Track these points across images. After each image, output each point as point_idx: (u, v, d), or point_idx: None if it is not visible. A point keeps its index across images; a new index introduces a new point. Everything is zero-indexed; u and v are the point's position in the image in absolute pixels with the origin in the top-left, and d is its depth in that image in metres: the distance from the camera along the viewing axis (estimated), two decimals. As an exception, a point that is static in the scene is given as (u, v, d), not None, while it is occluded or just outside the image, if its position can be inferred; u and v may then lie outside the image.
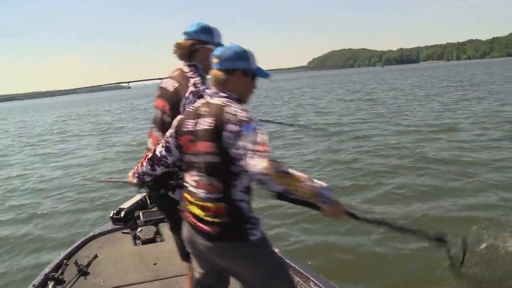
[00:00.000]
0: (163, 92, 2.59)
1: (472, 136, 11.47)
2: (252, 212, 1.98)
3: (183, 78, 2.51)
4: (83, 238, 4.08)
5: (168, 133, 2.21)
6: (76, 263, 3.46)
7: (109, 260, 3.63)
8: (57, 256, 3.76)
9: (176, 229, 2.75)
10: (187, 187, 2.07)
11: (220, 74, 2.03)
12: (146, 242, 3.95)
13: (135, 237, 4.10)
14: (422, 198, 6.68)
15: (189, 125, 2.04)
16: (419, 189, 7.15)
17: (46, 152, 15.91)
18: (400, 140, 11.50)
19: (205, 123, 1.95)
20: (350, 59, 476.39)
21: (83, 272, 3.40)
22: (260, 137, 1.77)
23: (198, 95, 2.40)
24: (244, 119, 1.85)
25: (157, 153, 2.26)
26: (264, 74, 2.13)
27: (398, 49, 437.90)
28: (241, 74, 2.04)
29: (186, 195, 2.09)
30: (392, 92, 30.82)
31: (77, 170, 11.43)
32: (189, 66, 2.57)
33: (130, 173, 2.50)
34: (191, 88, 2.43)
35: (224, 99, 2.00)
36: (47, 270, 3.37)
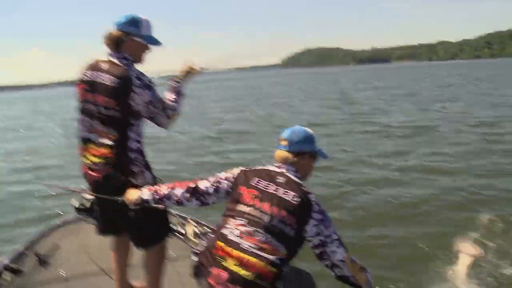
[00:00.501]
0: (98, 87, 2.51)
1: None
2: None
3: (120, 72, 2.48)
4: (44, 229, 3.96)
5: (223, 176, 2.26)
6: (36, 253, 3.35)
7: (71, 250, 3.53)
8: (16, 246, 3.64)
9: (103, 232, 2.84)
10: (225, 234, 2.01)
11: (290, 156, 2.24)
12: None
13: (100, 227, 3.99)
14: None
15: (261, 183, 2.12)
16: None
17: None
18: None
19: (289, 196, 2.05)
20: (323, 57, 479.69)
21: (43, 262, 3.29)
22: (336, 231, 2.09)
23: (147, 86, 2.49)
24: (324, 209, 2.10)
25: (203, 187, 2.25)
26: (324, 155, 2.38)
27: (372, 48, 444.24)
28: (309, 156, 2.29)
29: (219, 242, 2.00)
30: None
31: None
32: (119, 58, 2.55)
33: (136, 190, 2.38)
34: (138, 82, 2.47)
35: (299, 179, 2.18)
36: (5, 260, 3.25)
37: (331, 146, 11.20)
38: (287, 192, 2.06)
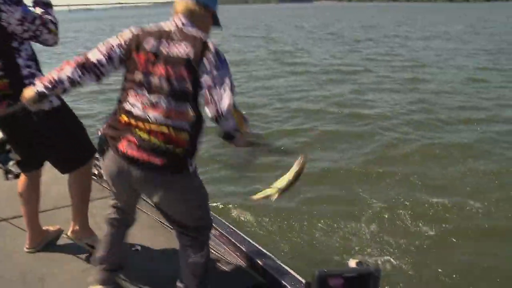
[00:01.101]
0: None
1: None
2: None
3: None
4: None
5: (114, 42, 2.00)
6: None
7: None
8: None
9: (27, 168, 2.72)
10: (128, 109, 1.91)
11: (198, 8, 1.98)
12: (19, 176, 3.60)
13: (7, 171, 3.73)
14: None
15: (155, 44, 1.90)
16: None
17: None
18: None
19: (182, 50, 1.86)
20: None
21: None
22: (231, 78, 1.87)
23: (15, 1, 2.31)
24: (223, 56, 1.90)
25: (93, 59, 2.00)
26: (219, 24, 2.14)
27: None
28: (211, 16, 2.05)
29: (124, 117, 1.92)
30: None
31: None
32: None
33: (30, 88, 2.08)
34: None
35: (200, 33, 1.94)
36: None
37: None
38: (180, 45, 1.87)
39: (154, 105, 1.86)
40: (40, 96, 2.06)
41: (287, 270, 2.37)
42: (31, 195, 2.76)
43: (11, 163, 3.77)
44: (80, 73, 2.01)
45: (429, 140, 7.38)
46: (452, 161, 6.43)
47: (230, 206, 4.96)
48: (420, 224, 4.55)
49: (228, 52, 16.68)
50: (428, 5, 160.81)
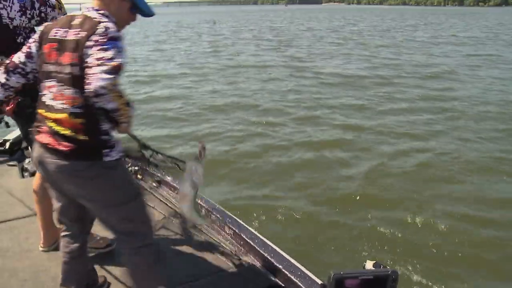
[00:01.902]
0: None
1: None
2: (111, 135, 1.91)
3: None
4: None
5: (31, 40, 2.02)
6: None
7: None
8: None
9: None
10: (44, 100, 1.92)
11: None
12: (35, 174, 3.65)
13: (23, 169, 3.78)
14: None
15: (58, 33, 1.88)
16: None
17: None
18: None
19: (74, 35, 1.81)
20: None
21: None
22: (119, 57, 1.72)
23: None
24: (113, 35, 1.78)
25: (16, 60, 2.04)
26: (146, 11, 2.06)
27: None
28: (128, 3, 1.99)
29: (40, 109, 1.93)
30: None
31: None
32: None
33: None
34: None
35: (103, 17, 1.87)
36: None
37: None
38: (75, 31, 1.82)
39: (58, 93, 1.86)
40: None
41: (302, 271, 2.34)
42: (46, 193, 2.78)
43: (26, 161, 3.83)
44: (6, 75, 2.06)
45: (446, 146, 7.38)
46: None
47: (248, 208, 4.99)
48: (440, 229, 4.57)
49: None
50: (440, 8, 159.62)
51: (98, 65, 1.68)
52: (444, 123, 8.67)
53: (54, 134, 1.86)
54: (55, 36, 1.88)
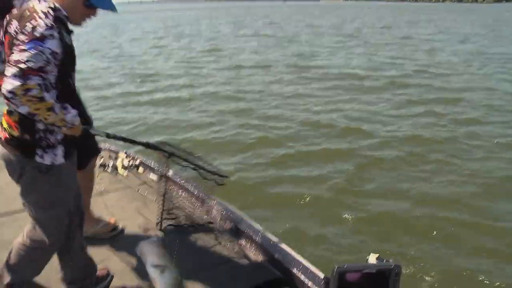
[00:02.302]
0: None
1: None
2: (51, 138, 1.89)
3: None
4: None
5: (1, 34, 1.98)
6: None
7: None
8: None
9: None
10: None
11: None
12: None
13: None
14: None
15: (10, 26, 1.82)
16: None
17: None
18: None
19: (15, 30, 1.77)
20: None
21: None
22: (36, 61, 1.63)
23: None
24: (39, 36, 1.67)
25: None
26: (100, 5, 1.96)
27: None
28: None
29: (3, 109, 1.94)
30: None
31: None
32: None
33: None
34: None
35: (49, 9, 1.77)
36: None
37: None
38: (16, 27, 1.77)
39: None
40: None
41: (306, 265, 2.36)
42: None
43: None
44: None
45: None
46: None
47: (249, 202, 5.05)
48: (442, 224, 4.60)
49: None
50: (437, 5, 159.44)
51: (11, 67, 1.61)
52: (447, 116, 8.86)
53: (3, 128, 1.91)
54: (9, 28, 1.83)
